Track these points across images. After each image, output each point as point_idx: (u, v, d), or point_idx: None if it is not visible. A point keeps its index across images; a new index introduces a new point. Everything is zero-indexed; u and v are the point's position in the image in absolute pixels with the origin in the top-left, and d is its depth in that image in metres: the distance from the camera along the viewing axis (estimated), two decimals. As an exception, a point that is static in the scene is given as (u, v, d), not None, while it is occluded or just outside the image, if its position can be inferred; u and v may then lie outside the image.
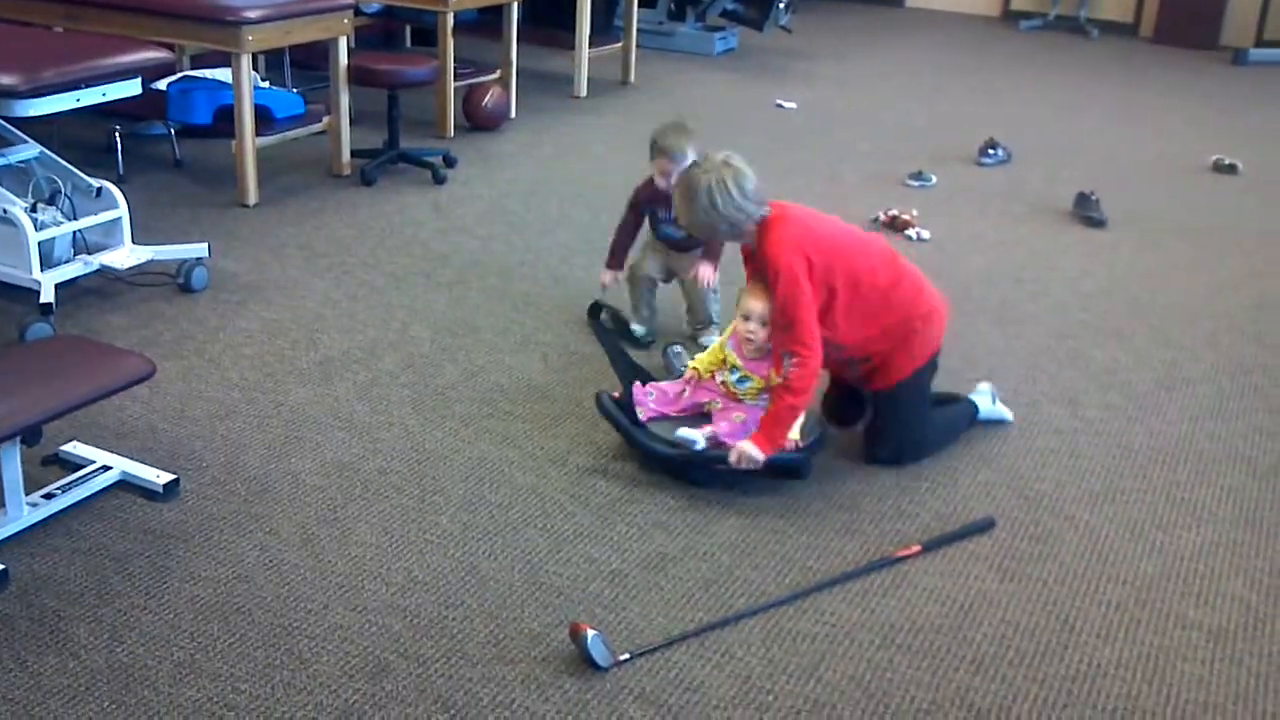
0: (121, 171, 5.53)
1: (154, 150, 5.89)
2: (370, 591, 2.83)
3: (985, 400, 3.74)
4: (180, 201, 5.32)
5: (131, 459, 3.22)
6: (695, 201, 3.27)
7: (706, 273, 4.14)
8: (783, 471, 3.31)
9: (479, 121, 6.61)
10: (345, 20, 5.50)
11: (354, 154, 5.82)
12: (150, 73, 4.21)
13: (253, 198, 5.29)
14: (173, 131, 5.71)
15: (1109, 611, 2.91)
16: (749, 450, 3.21)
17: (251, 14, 5.04)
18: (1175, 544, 3.19)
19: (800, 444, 3.36)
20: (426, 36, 8.58)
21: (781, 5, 8.74)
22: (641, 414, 3.46)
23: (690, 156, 4.00)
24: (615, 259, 4.25)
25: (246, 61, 5.06)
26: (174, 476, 3.16)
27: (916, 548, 3.10)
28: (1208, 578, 3.05)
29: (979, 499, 3.34)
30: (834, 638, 2.76)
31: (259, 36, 5.08)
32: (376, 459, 3.38)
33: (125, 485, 3.16)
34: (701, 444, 3.36)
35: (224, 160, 5.58)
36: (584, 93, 7.58)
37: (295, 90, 6.14)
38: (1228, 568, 3.10)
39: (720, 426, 3.42)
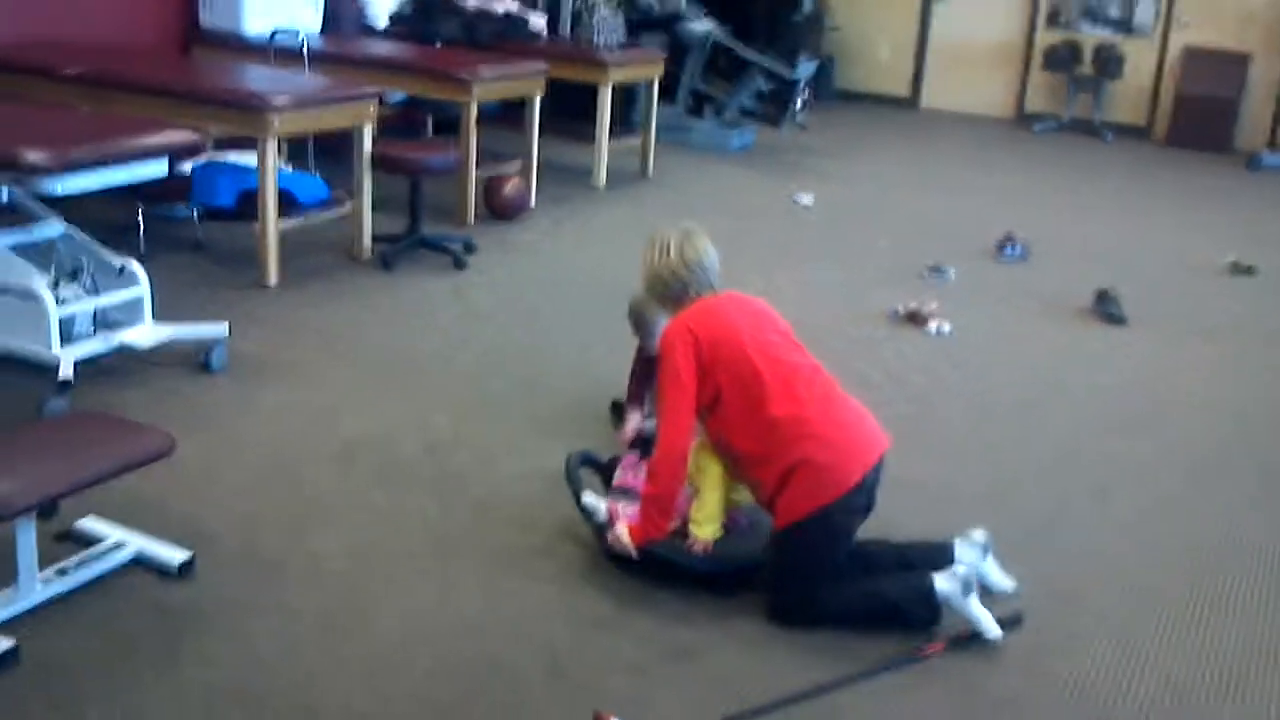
0: (144, 251, 5.54)
1: (176, 232, 5.90)
2: (392, 680, 2.76)
3: (971, 554, 3.18)
4: (201, 282, 5.33)
5: (147, 536, 3.17)
6: (645, 254, 3.26)
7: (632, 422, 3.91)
8: (698, 578, 3.17)
9: (499, 210, 6.65)
10: (370, 108, 5.56)
11: (375, 239, 5.84)
12: (177, 154, 4.23)
13: (273, 279, 5.30)
14: (195, 213, 5.74)
15: (1142, 713, 2.83)
16: (620, 533, 3.15)
17: (278, 100, 5.09)
18: (1211, 643, 3.12)
19: (707, 548, 3.18)
20: (448, 126, 8.71)
21: (798, 104, 8.85)
22: (616, 477, 3.44)
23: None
24: (634, 398, 4.05)
25: (272, 147, 5.10)
26: (189, 555, 3.11)
27: (941, 644, 3.02)
28: (1244, 679, 2.98)
29: (1005, 594, 3.27)
30: (863, 735, 2.69)
31: (285, 122, 5.13)
32: (396, 542, 3.33)
33: (140, 563, 3.11)
34: (602, 515, 3.28)
35: (245, 242, 5.60)
36: (603, 184, 7.64)
37: (317, 174, 6.19)
38: (1265, 668, 3.02)
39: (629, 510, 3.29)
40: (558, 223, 6.73)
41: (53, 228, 4.31)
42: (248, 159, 5.72)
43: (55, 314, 4.02)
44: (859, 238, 6.91)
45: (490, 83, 6.42)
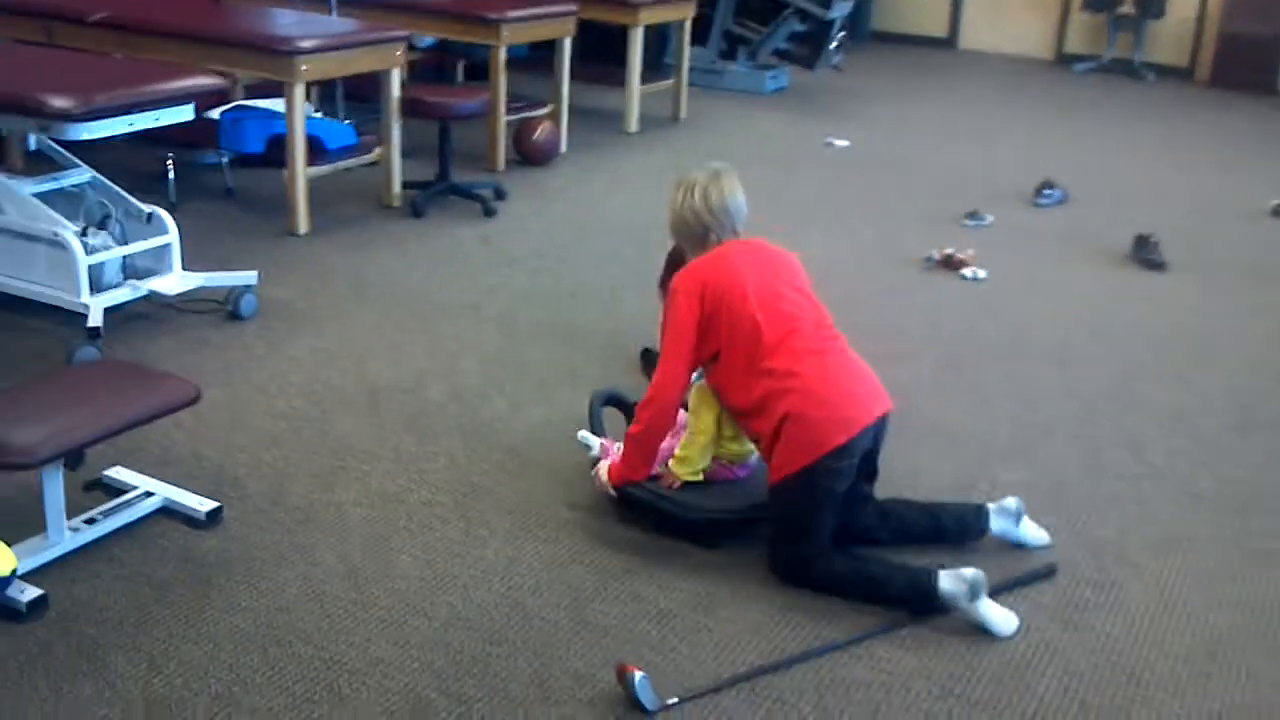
0: (173, 199, 5.54)
1: (206, 179, 5.89)
2: (413, 626, 2.76)
3: (1004, 523, 3.16)
4: (231, 229, 5.32)
5: (175, 486, 3.18)
6: (672, 194, 3.21)
7: None
8: (675, 526, 3.14)
9: (530, 156, 6.59)
10: (398, 53, 5.50)
11: (405, 185, 5.80)
12: (204, 100, 4.20)
13: (303, 227, 5.28)
14: (224, 160, 5.72)
15: (1177, 665, 2.79)
16: (599, 470, 3.18)
17: (306, 44, 5.05)
18: (1247, 595, 3.06)
19: (673, 484, 3.14)
20: (478, 71, 8.62)
21: (833, 45, 8.71)
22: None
23: None
24: None
25: (300, 92, 5.06)
26: (217, 504, 3.11)
27: None
28: (1282, 632, 2.93)
29: (1042, 548, 3.23)
30: (890, 686, 2.66)
31: (313, 67, 5.09)
32: (422, 490, 3.32)
33: (167, 512, 3.12)
34: (595, 452, 3.30)
35: (275, 189, 5.58)
36: (635, 129, 7.55)
37: (347, 121, 6.15)
38: (1303, 622, 2.97)
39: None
40: (588, 168, 6.67)
41: (81, 175, 4.30)
42: (277, 105, 5.68)
43: (84, 262, 4.01)
44: (894, 182, 6.81)
45: (519, 25, 6.34)
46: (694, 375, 3.14)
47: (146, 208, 4.30)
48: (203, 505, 3.10)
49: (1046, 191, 6.44)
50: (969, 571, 2.84)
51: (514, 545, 3.09)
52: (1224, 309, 5.06)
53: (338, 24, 5.72)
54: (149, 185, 5.60)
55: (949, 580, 2.84)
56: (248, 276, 4.42)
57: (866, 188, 6.65)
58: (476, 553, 3.05)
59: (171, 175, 5.56)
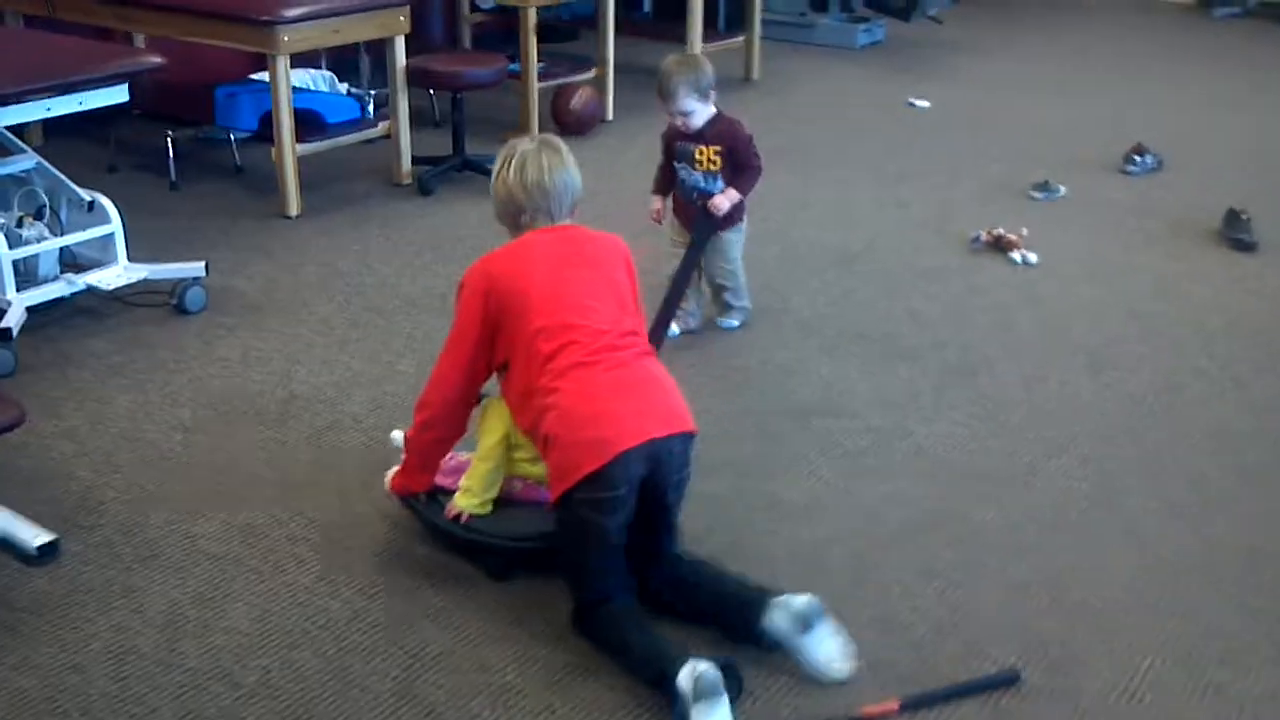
0: (174, 178, 5.31)
1: (218, 156, 5.65)
2: (211, 695, 2.40)
3: (784, 625, 2.42)
4: (224, 211, 5.05)
5: (14, 513, 2.88)
6: (495, 166, 2.77)
7: (719, 201, 3.81)
8: (458, 548, 2.80)
9: (567, 125, 6.16)
10: (401, 17, 5.13)
11: (419, 161, 5.45)
12: (136, 78, 3.91)
13: (294, 208, 4.97)
14: (233, 137, 5.46)
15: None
16: (386, 477, 2.89)
17: (289, 12, 4.71)
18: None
19: (461, 517, 2.76)
20: (550, 33, 8.21)
21: (930, -7, 8.01)
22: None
23: (691, 101, 3.76)
24: (658, 186, 4.04)
25: (283, 64, 4.74)
26: (52, 537, 2.79)
27: (893, 704, 2.39)
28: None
29: (1004, 612, 2.69)
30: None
31: (297, 37, 4.75)
32: (294, 523, 2.96)
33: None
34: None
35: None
36: (697, 91, 7.04)
37: (372, 92, 5.83)
38: (1305, 723, 2.38)
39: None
40: (632, 137, 6.19)
41: (23, 161, 4.06)
42: (297, 78, 5.38)
43: (6, 256, 3.78)
44: (970, 146, 6.15)
45: (550, -17, 5.87)
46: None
47: (88, 195, 4.04)
48: (37, 539, 2.78)
49: (1137, 158, 5.70)
50: (707, 669, 2.26)
51: (367, 595, 2.70)
52: (1318, 299, 4.34)
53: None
54: (157, 164, 5.40)
55: (685, 678, 2.25)
56: (194, 268, 4.13)
57: (936, 154, 6.02)
58: (321, 603, 2.68)
59: (172, 153, 5.32)
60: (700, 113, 3.81)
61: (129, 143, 5.71)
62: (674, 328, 3.86)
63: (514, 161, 2.69)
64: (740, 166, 3.86)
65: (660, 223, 4.04)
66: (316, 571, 2.78)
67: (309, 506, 3.02)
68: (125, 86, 3.89)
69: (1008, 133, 6.41)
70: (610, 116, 6.47)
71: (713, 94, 3.84)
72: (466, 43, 7.59)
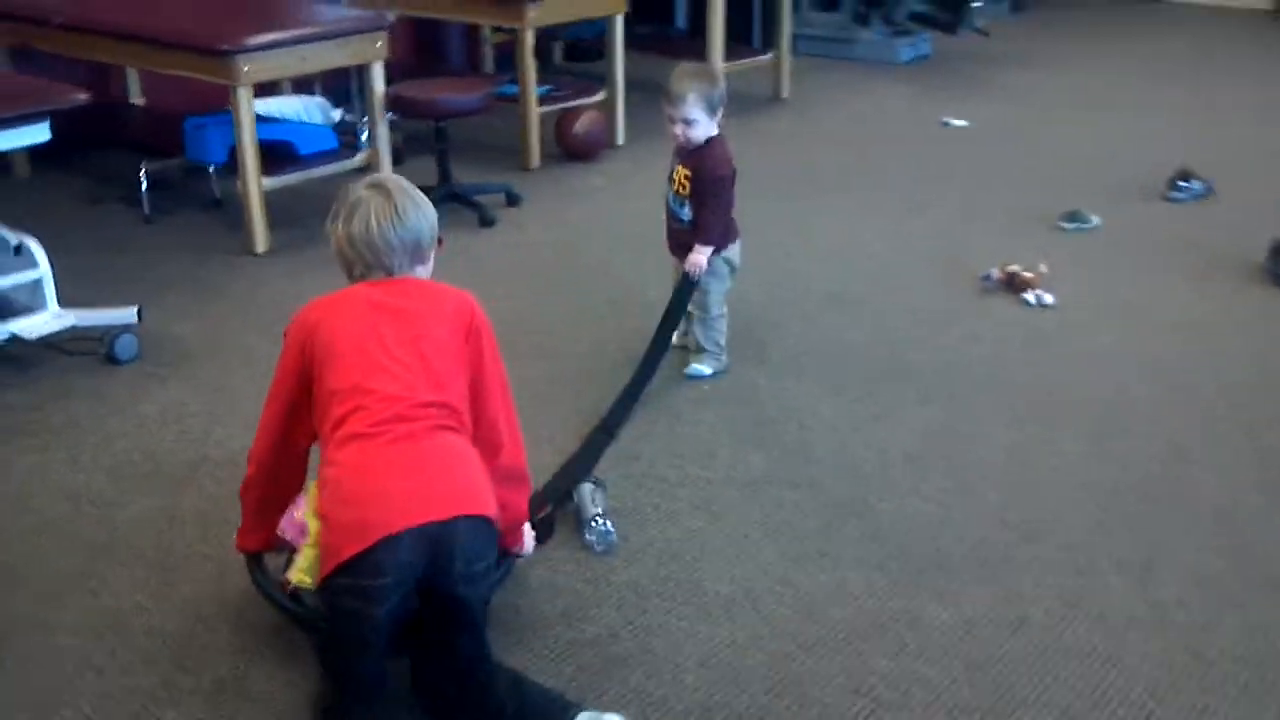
0: (148, 211, 5.10)
1: (201, 188, 5.41)
2: (1, 831, 2.12)
3: None
4: (191, 247, 4.81)
5: None
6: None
7: (695, 260, 3.53)
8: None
9: (571, 150, 5.86)
10: (378, 44, 4.85)
11: (403, 191, 5.17)
12: (57, 114, 3.67)
13: (261, 245, 4.72)
14: (212, 169, 5.22)
15: None
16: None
17: (250, 41, 4.46)
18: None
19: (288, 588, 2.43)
20: (578, 53, 7.92)
21: (975, 4, 7.56)
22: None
23: (699, 110, 3.44)
24: None
25: (245, 96, 4.48)
26: (-116, 630, 2.56)
27: None
28: None
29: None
30: None
31: (259, 67, 4.49)
32: (159, 612, 2.66)
33: None
34: None
35: (268, 199, 5.03)
36: (719, 112, 6.68)
37: (365, 119, 5.57)
38: None
39: None
40: (641, 163, 5.85)
41: (-48, 202, 3.86)
42: (268, 106, 5.15)
43: (-84, 305, 3.57)
44: (1002, 170, 5.72)
45: (549, 4, 5.56)
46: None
47: (15, 238, 3.82)
48: None
49: (1182, 183, 5.23)
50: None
51: (211, 703, 2.40)
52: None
53: (304, 10, 5.09)
54: (133, 196, 5.19)
55: None
56: (126, 315, 3.89)
57: (962, 178, 5.60)
58: (156, 712, 2.38)
59: (145, 185, 5.11)
60: (703, 127, 3.48)
61: (119, 174, 5.52)
62: (700, 369, 3.69)
63: (344, 212, 2.40)
64: (699, 203, 3.52)
65: None
66: (163, 673, 2.48)
67: (181, 590, 2.73)
68: (46, 124, 3.65)
69: (1046, 154, 5.96)
70: (620, 140, 6.14)
71: (719, 114, 3.51)
72: (489, 65, 7.33)
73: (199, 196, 5.35)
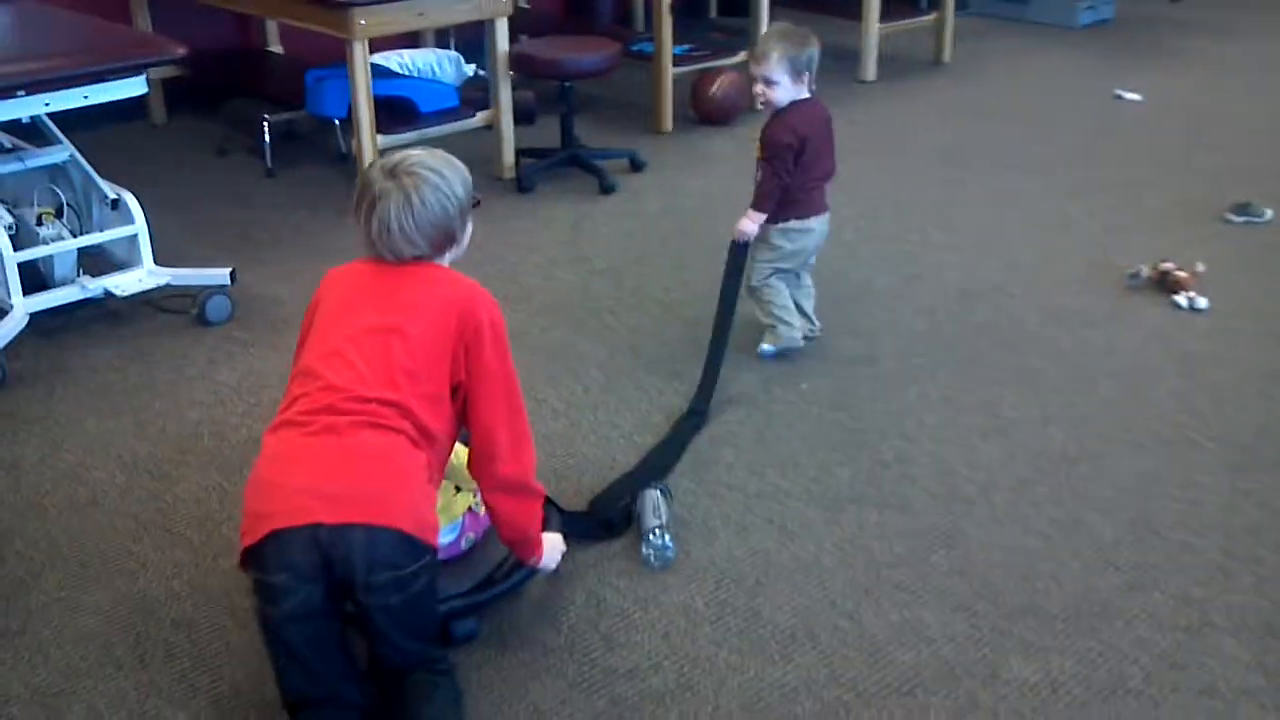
0: (270, 164, 5.05)
1: (328, 142, 5.34)
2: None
3: None
4: (308, 205, 4.74)
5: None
6: None
7: (742, 226, 3.37)
8: None
9: (706, 114, 5.59)
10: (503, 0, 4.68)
11: (524, 154, 5.00)
12: (151, 67, 3.59)
13: (372, 205, 4.61)
14: (337, 123, 5.14)
15: None
16: None
17: (367, -8, 4.33)
18: None
19: None
20: (739, 6, 7.61)
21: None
22: None
23: (780, 72, 3.25)
24: None
25: (361, 50, 4.36)
26: (-85, 602, 2.51)
27: None
28: None
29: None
30: None
31: (376, 21, 4.36)
32: (187, 602, 2.56)
33: None
34: None
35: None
36: (872, 76, 6.30)
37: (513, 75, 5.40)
38: None
39: None
40: (779, 129, 5.55)
41: (56, 154, 3.82)
42: (406, 57, 5.03)
43: (12, 259, 3.54)
44: (1172, 152, 5.23)
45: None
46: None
47: (113, 192, 3.77)
48: (-100, 601, 2.51)
49: (1378, 175, 4.68)
50: None
51: (221, 709, 2.28)
52: None
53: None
54: (260, 148, 5.14)
55: None
56: (219, 275, 3.82)
57: (1127, 160, 5.14)
58: (166, 714, 2.27)
59: (268, 138, 5.05)
60: (784, 90, 3.29)
61: (251, 124, 5.48)
62: (765, 346, 3.51)
63: (363, 205, 2.23)
64: (760, 167, 3.35)
65: None
66: (181, 669, 2.37)
67: (219, 579, 2.63)
68: (142, 78, 3.58)
69: (1224, 135, 5.43)
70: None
71: (807, 78, 3.29)
72: (640, 23, 7.09)
73: (325, 151, 5.29)
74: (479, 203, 2.39)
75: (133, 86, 3.57)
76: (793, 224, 3.36)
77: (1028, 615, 2.49)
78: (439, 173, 2.25)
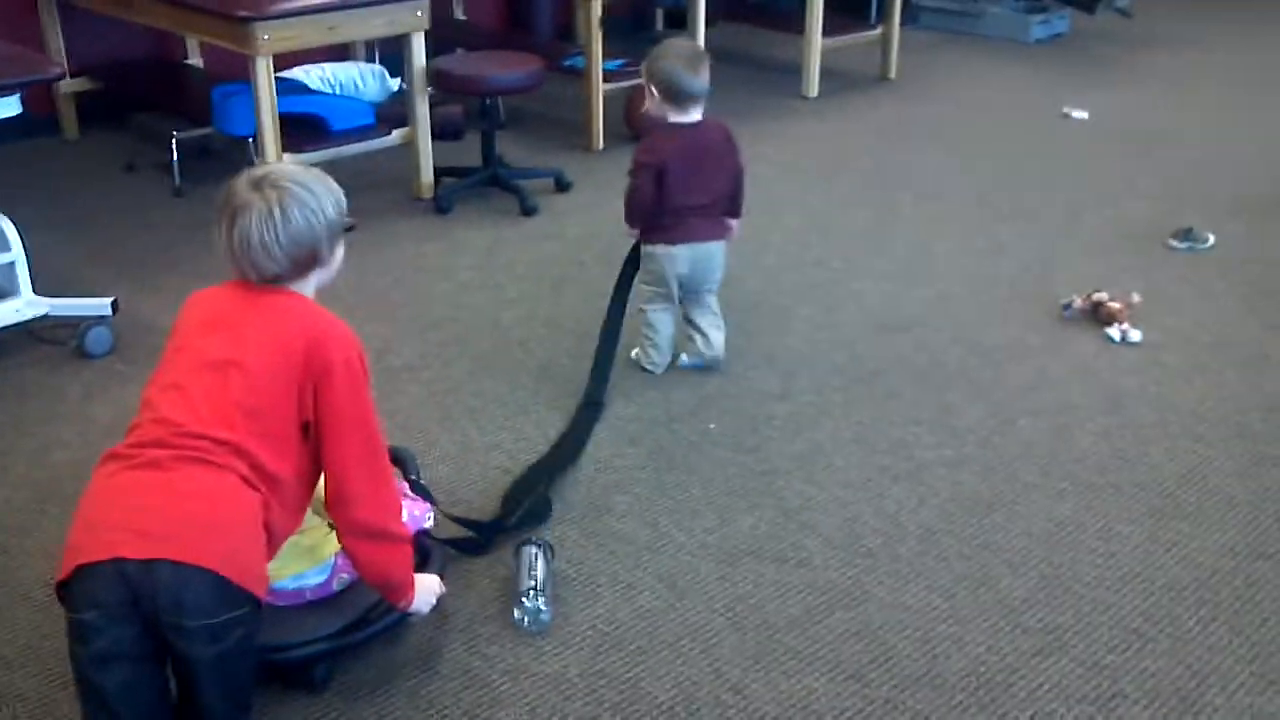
0: (178, 183, 4.84)
1: (241, 159, 5.14)
2: None
3: None
4: (209, 226, 4.51)
5: None
6: None
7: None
8: None
9: (640, 131, 5.38)
10: (419, 12, 4.48)
11: (444, 173, 4.81)
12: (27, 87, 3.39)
13: (279, 228, 4.41)
14: (250, 140, 4.93)
15: None
16: None
17: (271, 7, 4.13)
18: None
19: None
20: (677, 21, 7.45)
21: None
22: None
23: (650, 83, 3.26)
24: None
25: (264, 66, 4.16)
26: None
27: None
28: None
29: None
30: None
31: (280, 36, 4.16)
32: (33, 670, 2.37)
33: None
34: None
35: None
36: (814, 92, 6.13)
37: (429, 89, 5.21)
38: None
39: None
40: (714, 147, 5.38)
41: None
42: (297, 73, 4.82)
43: None
44: (1117, 173, 5.08)
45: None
46: None
47: (-11, 219, 3.57)
48: None
49: (1323, 199, 4.55)
50: None
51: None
52: None
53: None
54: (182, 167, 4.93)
55: None
56: (100, 305, 3.62)
57: (1069, 182, 4.98)
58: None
59: (176, 158, 4.84)
60: (655, 105, 3.29)
61: (163, 140, 5.28)
62: (684, 358, 3.48)
63: (225, 217, 2.09)
64: None
65: None
66: (-6, 754, 2.18)
67: (58, 642, 2.43)
68: (16, 98, 3.38)
69: (1172, 156, 5.29)
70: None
71: (661, 99, 3.29)
72: (582, 37, 6.90)
73: (237, 169, 5.05)
74: (353, 227, 2.24)
75: (5, 107, 3.37)
76: (659, 248, 3.28)
77: (923, 685, 2.32)
78: (307, 188, 2.07)
